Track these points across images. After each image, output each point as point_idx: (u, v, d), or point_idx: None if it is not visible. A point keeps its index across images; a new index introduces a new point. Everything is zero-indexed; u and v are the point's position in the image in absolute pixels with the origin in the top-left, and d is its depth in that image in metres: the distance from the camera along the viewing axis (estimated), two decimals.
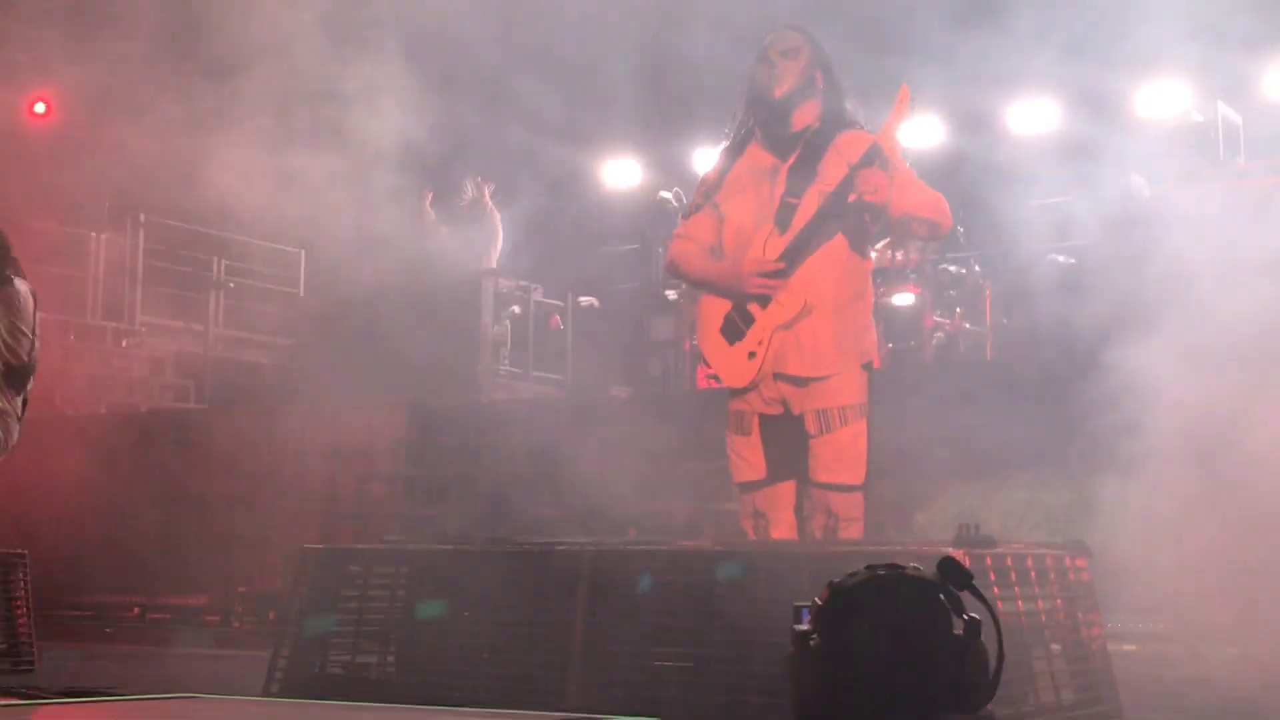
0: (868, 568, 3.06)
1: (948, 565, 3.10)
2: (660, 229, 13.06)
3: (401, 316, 10.89)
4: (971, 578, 3.11)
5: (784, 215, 5.63)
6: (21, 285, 6.77)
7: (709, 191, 5.90)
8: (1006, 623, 3.22)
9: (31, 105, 13.99)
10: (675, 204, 12.90)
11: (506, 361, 12.00)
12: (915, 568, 3.07)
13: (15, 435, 6.76)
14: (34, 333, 6.82)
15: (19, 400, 6.79)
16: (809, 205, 5.61)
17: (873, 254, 5.94)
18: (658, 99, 11.04)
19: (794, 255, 5.58)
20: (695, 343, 11.93)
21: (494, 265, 12.11)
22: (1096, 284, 10.03)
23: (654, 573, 4.39)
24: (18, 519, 8.62)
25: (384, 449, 10.67)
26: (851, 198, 5.51)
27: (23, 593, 6.36)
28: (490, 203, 12.20)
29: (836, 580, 3.05)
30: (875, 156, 5.50)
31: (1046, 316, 10.36)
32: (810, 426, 5.58)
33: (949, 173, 11.56)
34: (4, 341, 6.68)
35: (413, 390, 10.67)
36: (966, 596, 3.04)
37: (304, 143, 10.11)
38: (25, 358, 6.77)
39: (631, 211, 13.99)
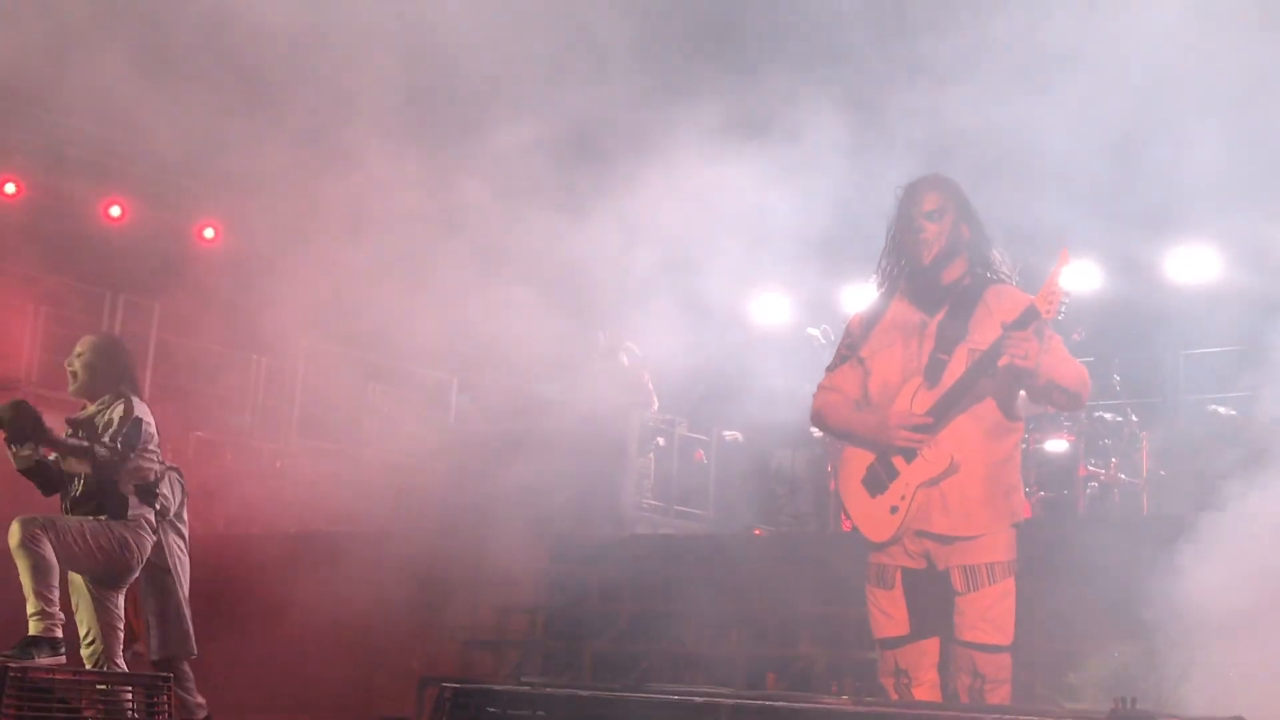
0: None
1: None
2: (808, 366, 12.99)
3: (548, 447, 10.96)
4: None
5: (934, 370, 5.56)
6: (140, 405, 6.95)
7: (854, 344, 5.86)
8: None
9: (201, 231, 14.55)
10: (823, 341, 12.84)
11: (650, 495, 11.97)
12: None
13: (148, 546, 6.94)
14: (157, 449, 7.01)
15: (152, 513, 6.99)
16: (959, 362, 5.53)
17: (1022, 416, 5.83)
18: (809, 237, 11.05)
19: (942, 411, 5.49)
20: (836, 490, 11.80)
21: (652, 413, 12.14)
22: (1261, 439, 9.70)
23: None
24: None
25: (525, 580, 10.68)
26: (1002, 361, 5.41)
27: (165, 714, 6.45)
28: (630, 360, 12.23)
29: None
30: (1031, 320, 5.40)
31: (1206, 470, 10.05)
32: (957, 583, 5.44)
33: (1105, 318, 11.37)
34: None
35: (556, 521, 10.69)
36: None
37: (460, 273, 10.33)
38: (151, 477, 6.97)
39: (779, 348, 13.95)
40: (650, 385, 12.12)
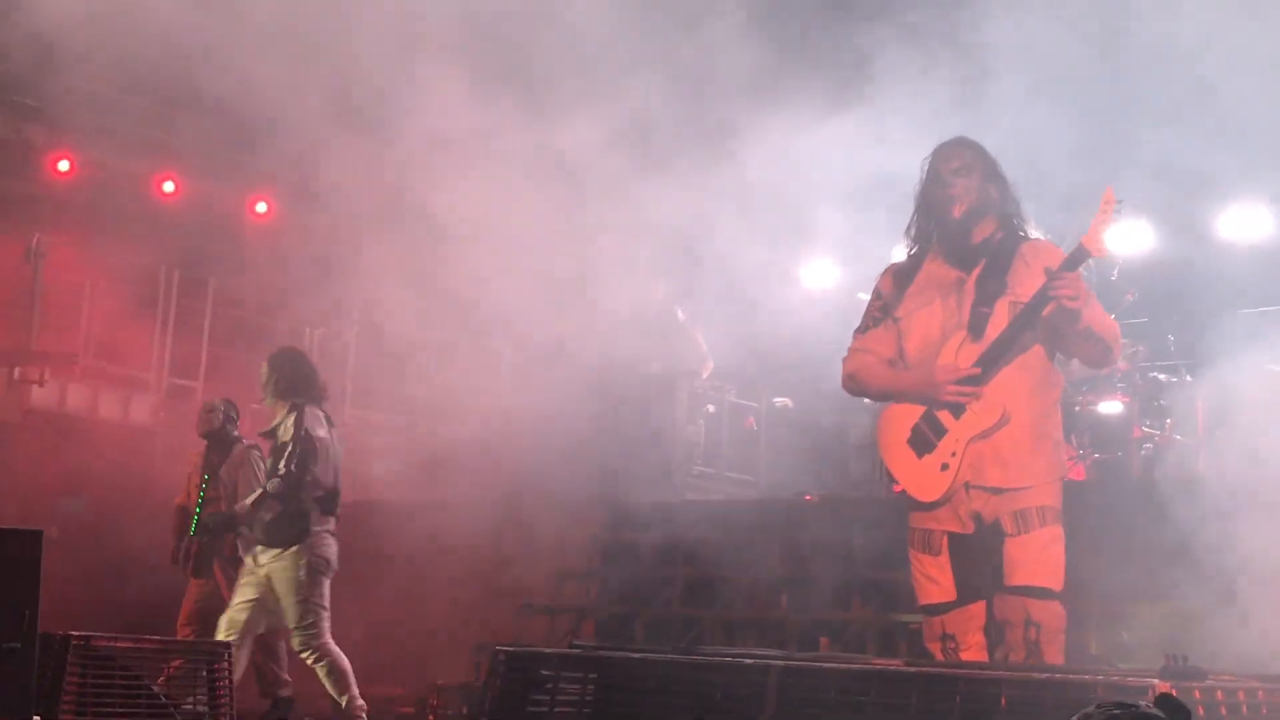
0: (1098, 706, 2.92)
1: (1167, 702, 3.00)
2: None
3: (599, 414, 10.99)
4: (1189, 715, 3.00)
5: (978, 323, 5.54)
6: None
7: (886, 306, 5.84)
8: None
9: (254, 205, 14.64)
10: None
11: (700, 461, 11.99)
12: (1148, 705, 2.95)
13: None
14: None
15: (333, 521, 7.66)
16: (1001, 315, 5.51)
17: (1061, 370, 5.83)
18: (856, 200, 11.01)
19: (990, 362, 5.46)
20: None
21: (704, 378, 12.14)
22: None
23: (844, 692, 4.30)
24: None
25: (579, 547, 10.75)
26: (1048, 310, 5.38)
27: (226, 681, 6.56)
28: (685, 320, 12.22)
29: None
30: (1081, 260, 5.37)
31: (1264, 430, 9.95)
32: (1007, 526, 5.41)
33: (1158, 278, 11.26)
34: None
35: (609, 488, 10.74)
36: None
37: (511, 239, 10.35)
38: (329, 486, 7.65)
39: (828, 312, 13.90)
40: (704, 346, 12.12)
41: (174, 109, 13.75)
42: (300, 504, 7.35)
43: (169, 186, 14.22)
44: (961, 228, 5.68)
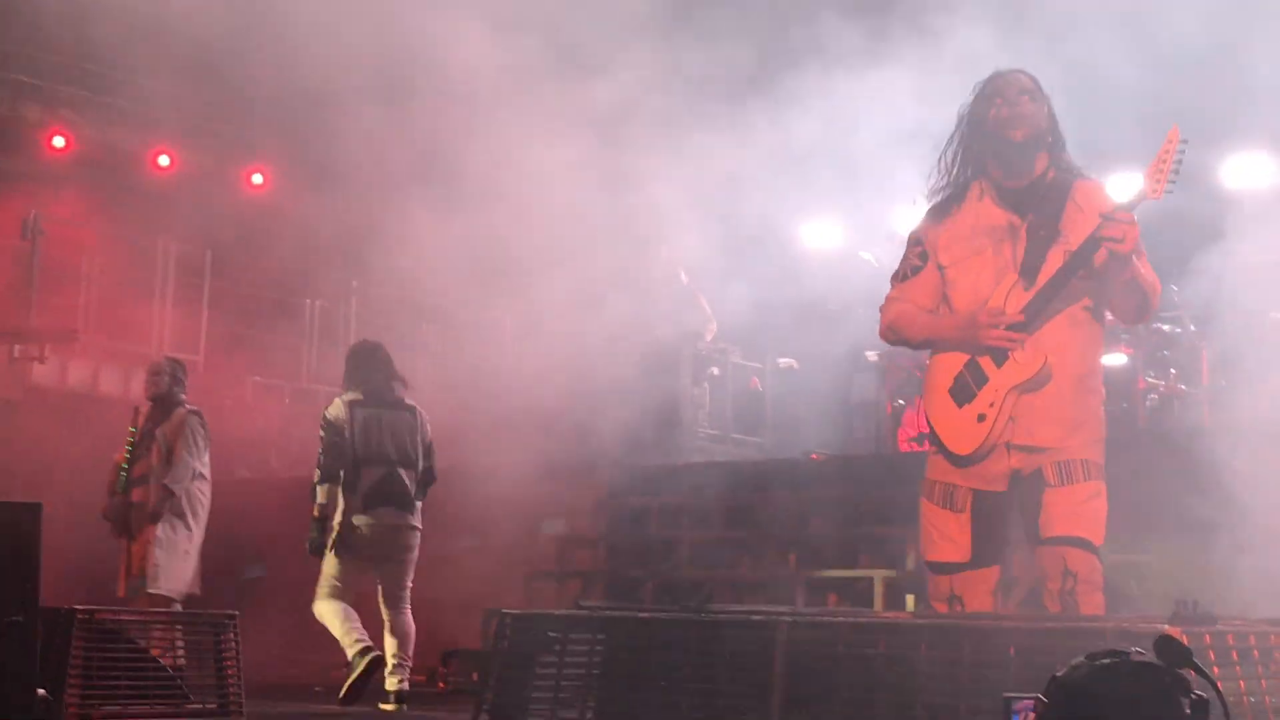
0: (1088, 656, 2.87)
1: (1165, 644, 2.96)
2: (860, 290, 12.89)
3: (601, 379, 10.95)
4: (1191, 655, 2.96)
5: (1030, 270, 5.27)
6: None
7: (927, 253, 5.50)
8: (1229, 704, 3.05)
9: (250, 176, 14.59)
10: (875, 265, 12.71)
11: (705, 424, 11.97)
12: (1139, 651, 2.90)
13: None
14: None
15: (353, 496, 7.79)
16: (1053, 264, 5.24)
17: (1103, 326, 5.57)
18: (858, 158, 10.93)
19: (1036, 310, 5.20)
20: (898, 405, 11.68)
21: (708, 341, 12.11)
22: None
23: (853, 645, 4.27)
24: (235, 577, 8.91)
25: (585, 511, 10.73)
26: (1099, 256, 5.11)
27: (232, 652, 6.54)
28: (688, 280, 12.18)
29: (1059, 674, 2.88)
30: (1139, 202, 5.10)
31: (1268, 379, 9.91)
32: (1049, 476, 5.17)
33: (1161, 228, 11.18)
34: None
35: (613, 453, 10.71)
36: (1191, 677, 2.90)
37: (515, 204, 10.31)
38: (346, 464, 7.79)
39: (831, 272, 13.84)
40: (708, 308, 12.07)
41: (167, 82, 13.67)
42: (334, 489, 7.69)
43: (164, 160, 14.18)
44: (1023, 153, 5.29)
